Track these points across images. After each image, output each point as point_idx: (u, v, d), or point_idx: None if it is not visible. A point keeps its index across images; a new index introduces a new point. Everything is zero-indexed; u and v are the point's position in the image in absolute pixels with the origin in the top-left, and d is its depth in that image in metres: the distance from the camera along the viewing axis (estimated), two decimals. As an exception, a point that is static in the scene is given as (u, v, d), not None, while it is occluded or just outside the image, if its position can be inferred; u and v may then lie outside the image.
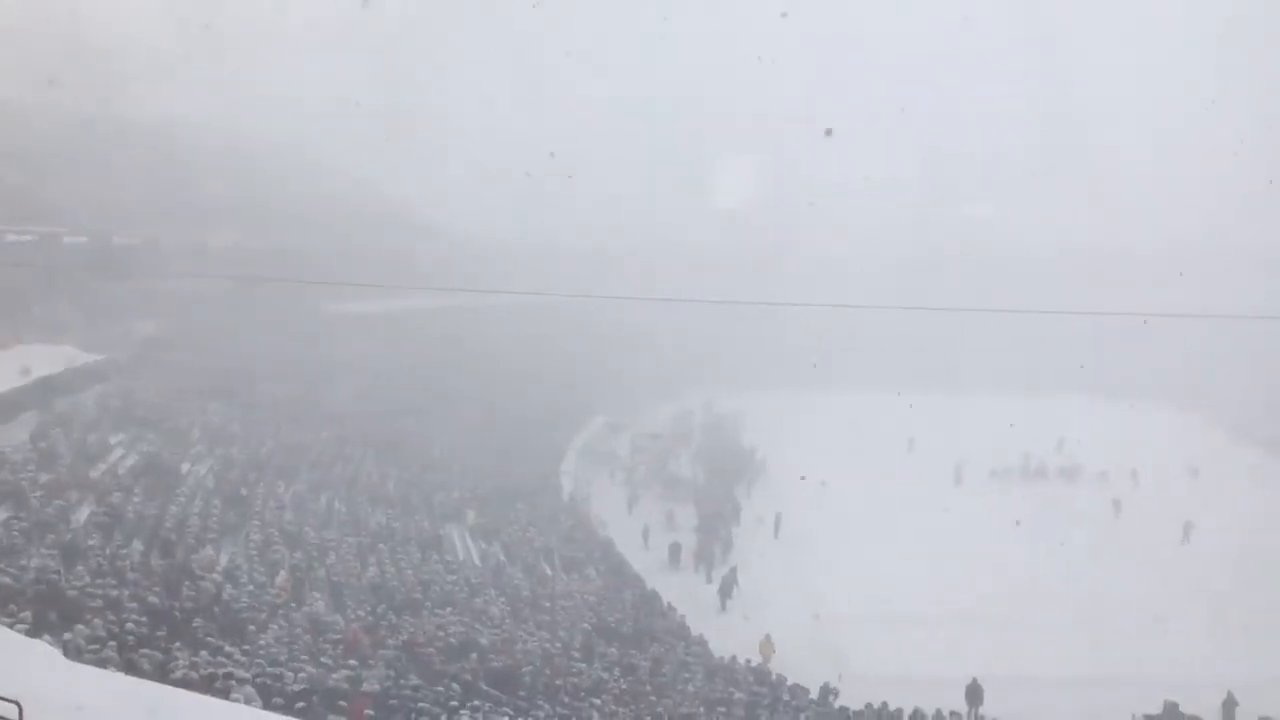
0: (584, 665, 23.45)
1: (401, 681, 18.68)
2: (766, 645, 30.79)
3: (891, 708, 25.44)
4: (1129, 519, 49.66)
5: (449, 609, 25.61)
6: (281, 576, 24.67)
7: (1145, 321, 50.50)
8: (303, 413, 45.58)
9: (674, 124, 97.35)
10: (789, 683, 27.17)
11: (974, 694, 28.35)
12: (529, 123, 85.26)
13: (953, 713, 26.21)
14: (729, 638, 31.55)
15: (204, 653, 17.17)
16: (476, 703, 18.76)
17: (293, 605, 22.69)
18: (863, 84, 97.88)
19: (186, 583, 20.77)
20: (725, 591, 38.42)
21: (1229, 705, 28.30)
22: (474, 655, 21.90)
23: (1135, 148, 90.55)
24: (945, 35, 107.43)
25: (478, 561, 34.63)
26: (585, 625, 27.57)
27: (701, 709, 22.10)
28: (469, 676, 20.38)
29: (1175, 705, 27.09)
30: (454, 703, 18.17)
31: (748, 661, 28.39)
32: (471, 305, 65.64)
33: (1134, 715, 26.44)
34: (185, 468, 31.99)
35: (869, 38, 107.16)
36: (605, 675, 23.01)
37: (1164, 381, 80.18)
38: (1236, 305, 62.46)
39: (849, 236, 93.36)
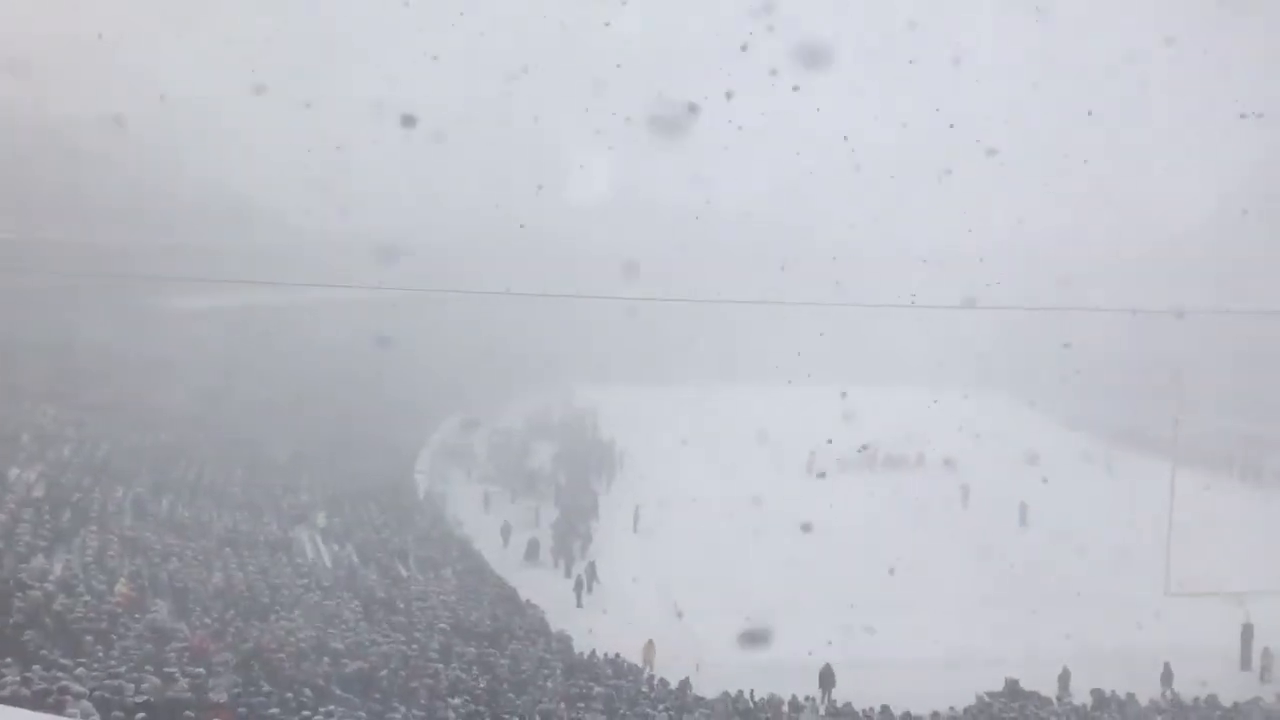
0: (441, 666, 23.10)
1: (251, 689, 18.08)
2: (649, 649, 30.71)
3: (747, 695, 25.84)
4: (971, 505, 51.63)
5: (299, 613, 24.92)
6: (121, 585, 23.59)
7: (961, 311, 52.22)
8: (141, 413, 43.73)
9: (526, 116, 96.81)
10: (647, 674, 27.37)
11: (826, 678, 29.06)
12: (381, 114, 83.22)
13: (807, 698, 26.76)
14: (589, 632, 31.55)
15: (36, 667, 16.27)
16: (330, 708, 18.31)
17: (135, 614, 21.73)
18: (724, 81, 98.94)
19: (17, 594, 19.67)
20: (584, 586, 38.47)
21: (1064, 679, 29.80)
22: (326, 659, 21.39)
23: (983, 141, 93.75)
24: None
25: (329, 564, 33.82)
26: (442, 625, 27.17)
27: (562, 705, 22.03)
28: (321, 681, 19.88)
29: (1015, 682, 28.27)
30: (306, 710, 17.68)
31: (607, 655, 28.46)
32: (321, 301, 64.10)
33: (978, 694, 27.44)
34: (14, 473, 30.26)
35: (729, 36, 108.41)
36: (464, 675, 22.74)
37: (996, 371, 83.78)
38: (1064, 298, 65.75)
39: (702, 230, 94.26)
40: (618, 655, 28.46)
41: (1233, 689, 29.00)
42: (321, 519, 38.02)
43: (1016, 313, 65.73)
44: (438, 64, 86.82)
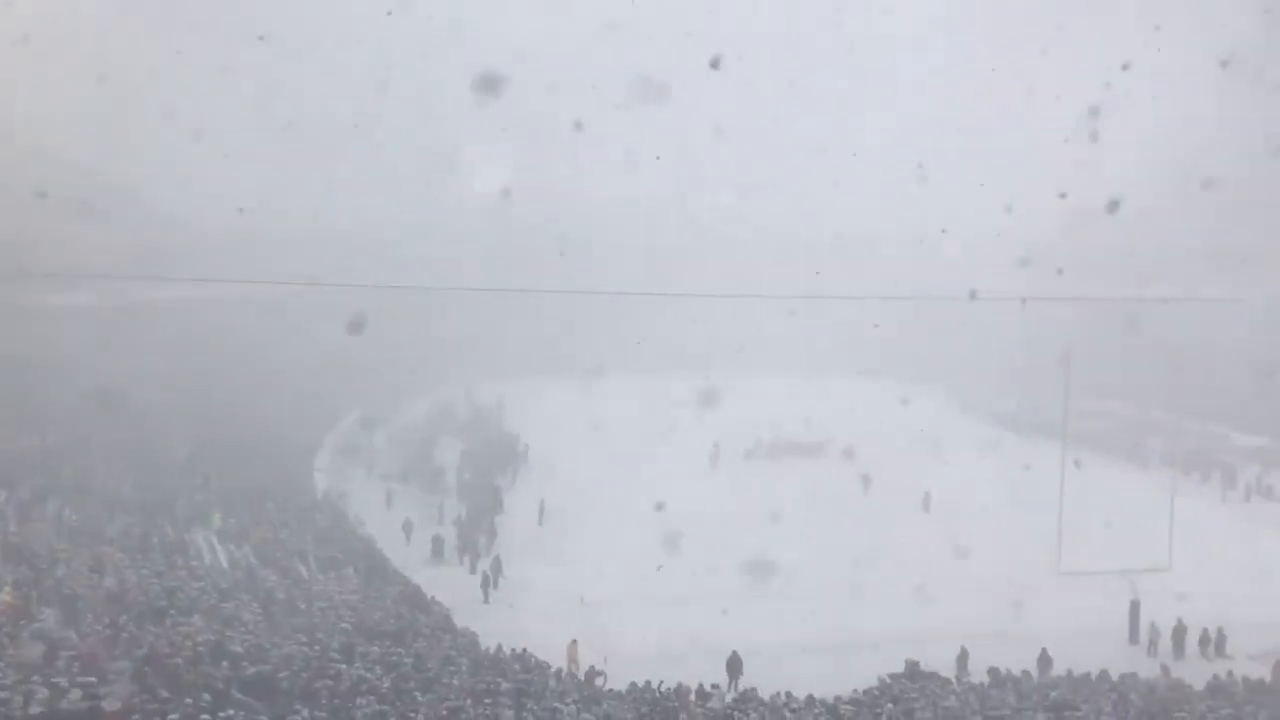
0: (344, 666, 22.68)
1: (146, 696, 17.54)
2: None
3: (655, 685, 25.93)
4: (875, 490, 52.51)
5: (196, 616, 24.25)
6: (4, 593, 22.66)
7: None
8: (23, 415, 42.07)
9: (429, 106, 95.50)
10: (553, 668, 27.28)
11: (734, 665, 29.38)
12: (278, 104, 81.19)
13: (714, 685, 26.96)
14: (495, 628, 31.33)
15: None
16: (230, 712, 17.87)
17: (20, 623, 20.91)
18: (617, 73, 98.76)
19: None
20: (490, 582, 38.21)
21: (962, 659, 30.58)
22: (225, 663, 20.85)
23: (875, 135, 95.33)
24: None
25: (227, 566, 32.99)
26: (345, 625, 26.70)
27: (469, 701, 21.80)
28: (221, 685, 19.38)
29: (916, 663, 28.92)
30: (205, 715, 17.23)
31: (514, 650, 28.29)
32: (215, 297, 62.42)
33: (880, 677, 27.95)
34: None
35: (621, 26, 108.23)
36: (367, 674, 22.35)
37: (895, 358, 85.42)
38: (958, 286, 67.31)
39: (602, 223, 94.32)
40: (524, 650, 28.30)
41: (1122, 662, 30.14)
42: (218, 520, 37.12)
43: (913, 300, 67.17)
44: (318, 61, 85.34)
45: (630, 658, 29.28)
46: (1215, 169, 75.06)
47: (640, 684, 25.96)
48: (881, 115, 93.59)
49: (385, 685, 21.67)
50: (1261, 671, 29.87)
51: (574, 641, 30.65)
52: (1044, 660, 30.36)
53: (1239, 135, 75.65)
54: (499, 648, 28.35)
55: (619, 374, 78.75)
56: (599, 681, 27.45)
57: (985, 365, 74.83)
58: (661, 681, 25.91)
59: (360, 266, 70.11)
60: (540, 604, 36.23)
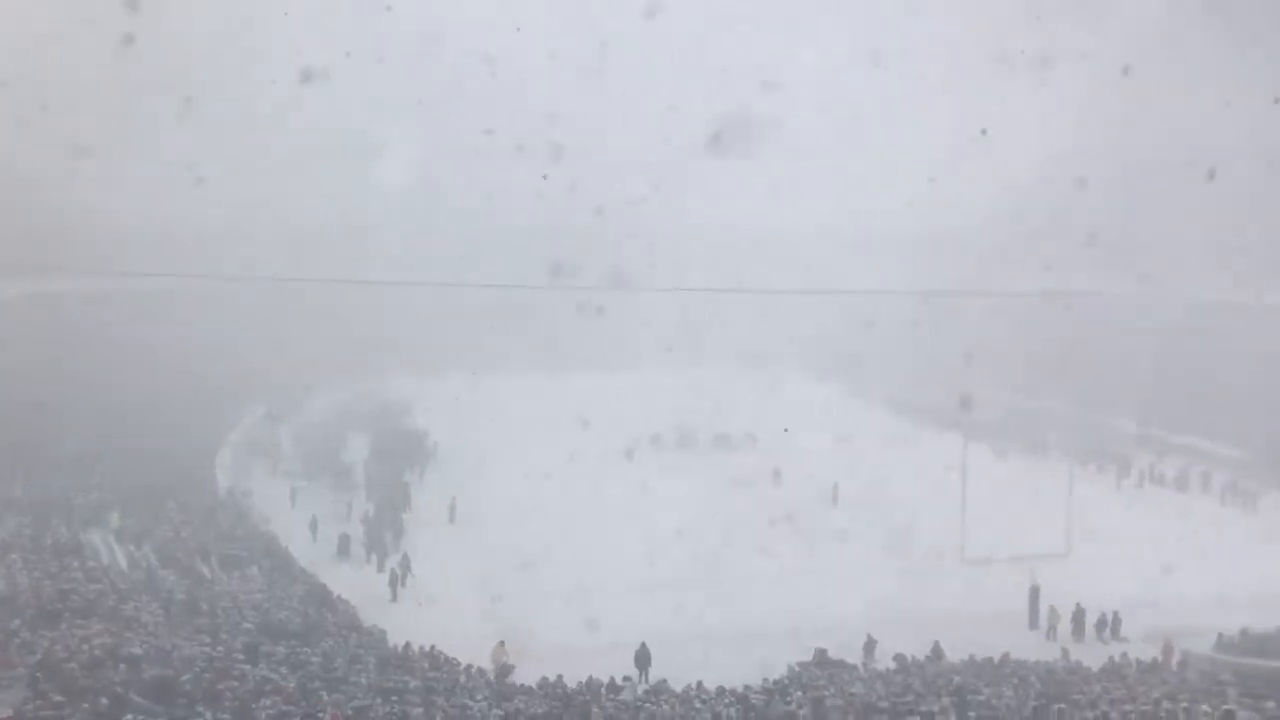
0: (249, 667, 22.25)
1: (40, 702, 16.98)
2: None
3: (567, 679, 25.89)
4: (782, 483, 53.07)
5: (93, 619, 23.54)
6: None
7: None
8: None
9: (328, 98, 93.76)
10: (463, 664, 27.07)
11: (643, 657, 29.45)
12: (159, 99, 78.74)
13: (625, 678, 27.01)
14: (404, 625, 30.97)
15: None
16: (129, 716, 17.42)
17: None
18: (513, 67, 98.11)
19: None
20: (398, 579, 37.74)
21: (869, 646, 31.11)
22: (124, 666, 20.29)
23: (795, 130, 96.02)
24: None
25: (125, 567, 32.08)
26: (248, 625, 26.19)
27: (377, 699, 21.53)
28: (119, 689, 18.86)
29: (824, 651, 29.36)
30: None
31: (423, 648, 28.00)
32: (111, 290, 60.63)
33: (789, 665, 28.29)
34: None
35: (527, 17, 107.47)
36: (273, 675, 21.97)
37: (807, 353, 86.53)
38: (869, 280, 68.39)
39: (496, 217, 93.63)
40: (433, 647, 28.04)
41: (1023, 646, 30.95)
42: (116, 519, 36.09)
43: (824, 295, 67.98)
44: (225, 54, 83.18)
45: (541, 652, 29.23)
46: (1116, 167, 77.55)
47: (551, 678, 25.90)
48: (795, 111, 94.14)
49: (291, 685, 21.32)
50: (1153, 652, 30.91)
51: (500, 643, 30.34)
52: (936, 651, 30.98)
53: (1143, 134, 78.03)
54: (407, 645, 28.04)
55: (532, 369, 78.57)
56: (510, 677, 27.33)
57: (892, 359, 76.05)
58: (570, 677, 25.94)
59: (266, 260, 68.72)
60: (449, 601, 35.91)
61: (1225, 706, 20.48)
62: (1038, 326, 68.94)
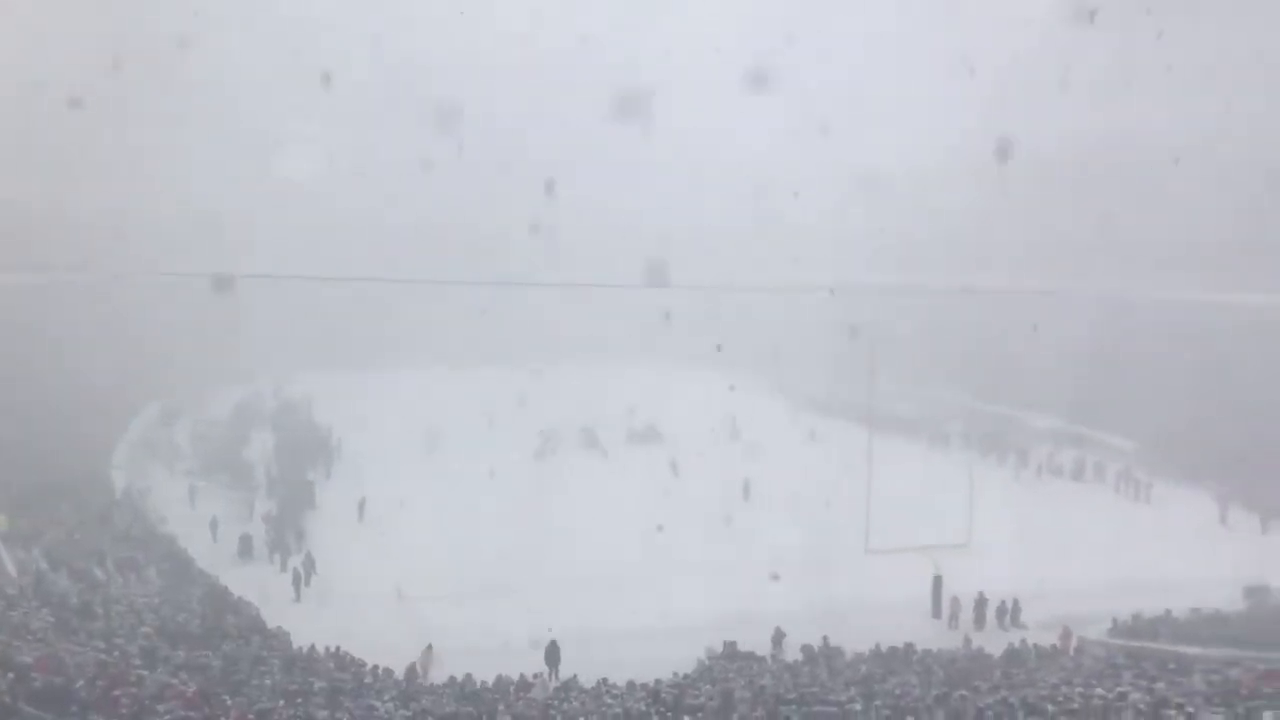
0: (146, 672, 21.60)
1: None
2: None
3: (476, 678, 25.67)
4: (694, 478, 53.09)
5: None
6: None
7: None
8: None
9: (230, 90, 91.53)
10: (369, 665, 26.65)
11: (552, 654, 29.33)
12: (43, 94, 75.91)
13: (535, 675, 26.88)
14: (309, 626, 30.36)
15: None
16: (17, 727, 16.76)
17: None
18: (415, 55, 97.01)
19: None
20: (302, 579, 37.01)
21: (777, 638, 31.40)
22: (11, 675, 19.52)
23: (679, 125, 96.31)
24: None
25: (13, 571, 30.89)
26: (146, 630, 25.42)
27: (281, 702, 21.06)
28: (6, 698, 18.15)
29: (734, 644, 29.58)
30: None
31: (328, 648, 27.51)
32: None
33: (699, 659, 28.44)
34: None
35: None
36: (172, 680, 21.35)
37: (713, 349, 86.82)
38: (771, 276, 69.08)
39: (398, 213, 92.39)
40: (338, 648, 27.56)
41: (927, 635, 31.55)
42: (5, 522, 34.77)
43: (732, 290, 68.44)
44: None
45: (451, 651, 28.93)
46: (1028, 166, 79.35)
47: (460, 677, 25.64)
48: (693, 106, 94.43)
49: (191, 690, 20.74)
50: (1051, 638, 31.73)
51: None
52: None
53: (1055, 131, 79.89)
54: (312, 646, 27.52)
55: (438, 365, 77.73)
56: (419, 678, 27.00)
57: (800, 354, 76.83)
58: (479, 675, 25.71)
59: (165, 255, 66.81)
60: (355, 600, 35.36)
61: (1119, 689, 21.07)
62: (943, 321, 70.33)
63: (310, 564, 37.84)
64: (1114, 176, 68.73)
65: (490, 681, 25.78)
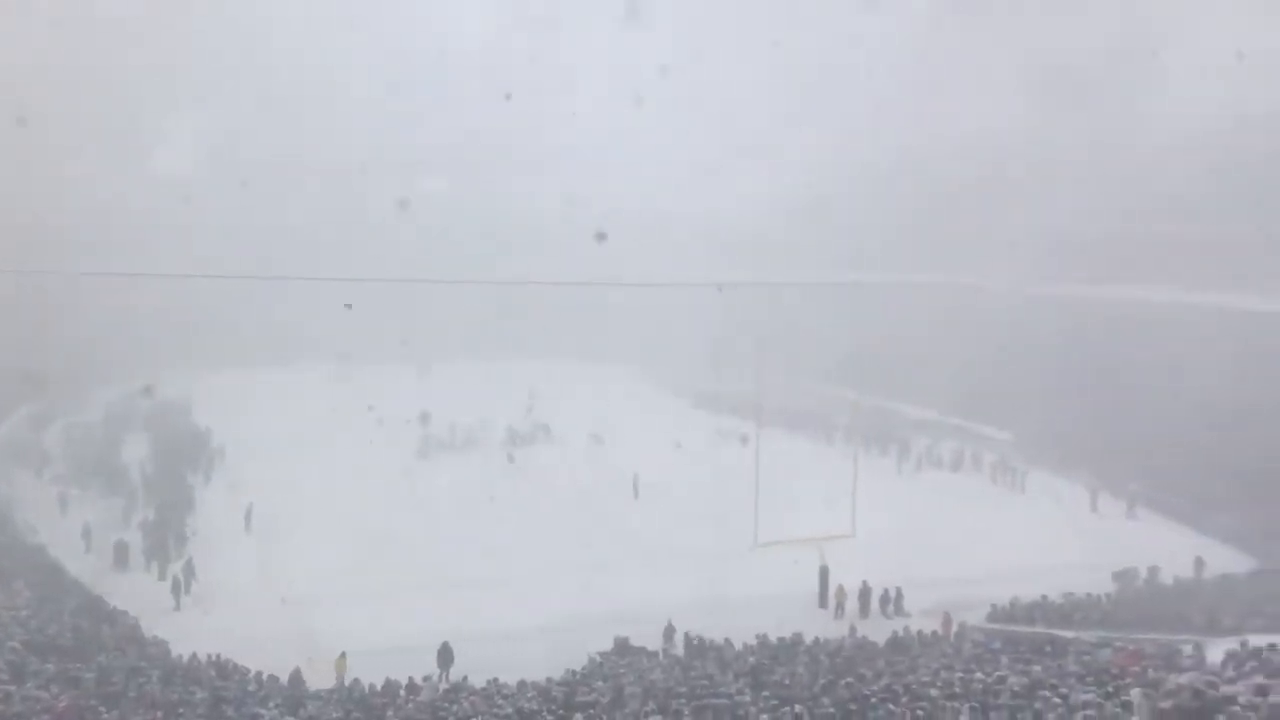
0: (13, 688, 20.71)
1: None
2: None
3: (364, 682, 25.28)
4: (584, 475, 53.01)
5: None
6: None
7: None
8: None
9: (106, 84, 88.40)
10: (254, 672, 26.03)
11: (444, 656, 29.05)
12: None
13: (425, 677, 26.58)
14: (189, 635, 29.53)
15: None
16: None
17: None
18: (306, 59, 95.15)
19: None
20: (182, 586, 35.90)
21: (668, 632, 31.60)
22: None
23: (585, 126, 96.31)
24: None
25: None
26: (13, 644, 24.35)
27: (160, 713, 20.44)
28: None
29: (625, 639, 29.67)
30: None
31: (210, 657, 26.78)
32: None
33: (590, 655, 28.45)
34: None
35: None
36: (43, 694, 20.52)
37: (601, 345, 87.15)
38: (658, 273, 69.43)
39: (284, 211, 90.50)
40: (219, 655, 26.85)
41: (813, 625, 32.12)
42: None
43: (620, 287, 68.55)
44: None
45: (336, 655, 28.50)
46: (912, 164, 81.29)
47: (348, 682, 25.22)
48: (587, 106, 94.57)
49: (63, 703, 19.98)
50: (933, 625, 32.59)
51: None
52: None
53: (939, 132, 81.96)
54: (193, 655, 26.77)
55: (321, 362, 76.14)
56: (302, 683, 26.46)
57: (688, 350, 77.42)
58: (367, 679, 25.32)
59: (35, 252, 64.06)
60: (238, 606, 34.50)
61: (998, 672, 21.73)
62: (826, 317, 71.55)
63: (190, 571, 36.72)
64: (996, 176, 70.90)
65: (379, 685, 25.42)
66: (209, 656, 26.81)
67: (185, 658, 26.75)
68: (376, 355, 77.31)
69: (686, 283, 66.12)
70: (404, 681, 25.77)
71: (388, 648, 29.15)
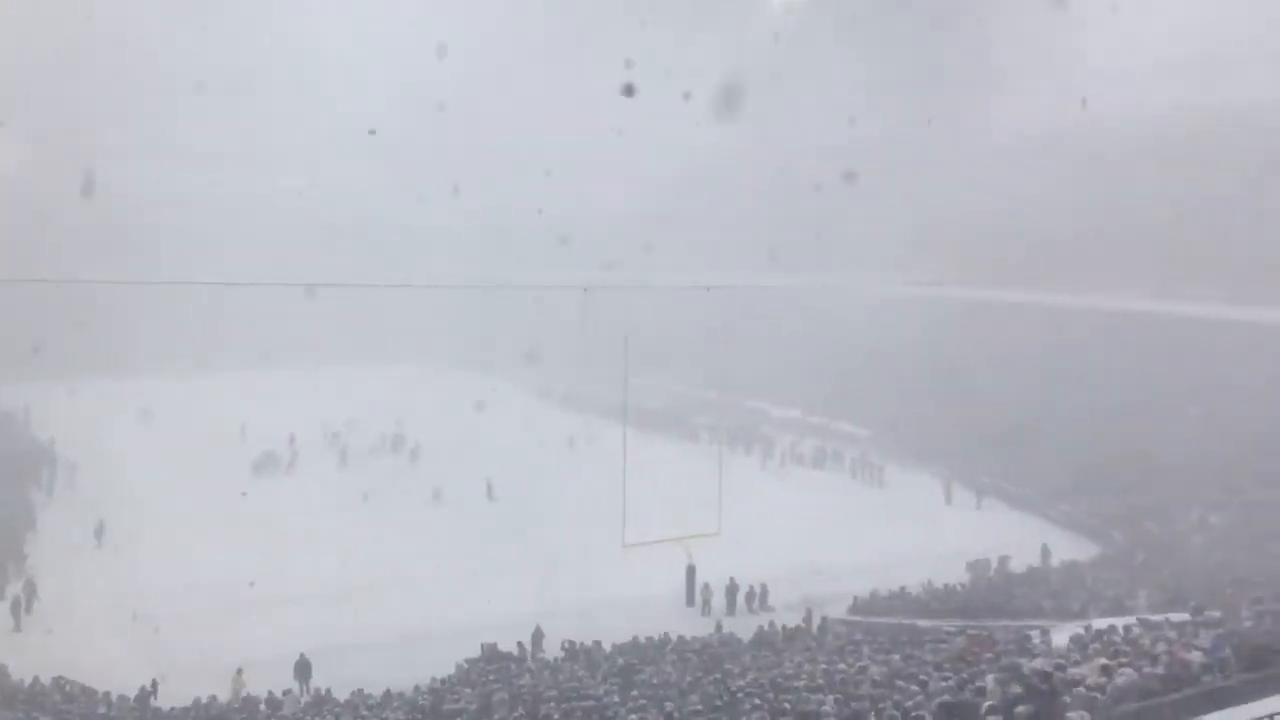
0: None
1: None
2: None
3: (221, 699, 24.49)
4: (445, 482, 52.01)
5: None
6: None
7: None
8: None
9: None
10: (102, 693, 24.93)
11: (303, 669, 28.30)
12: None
13: (285, 691, 25.89)
14: (31, 657, 28.06)
15: None
16: None
17: None
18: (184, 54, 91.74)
19: None
20: (23, 606, 34.03)
21: (537, 636, 31.34)
22: None
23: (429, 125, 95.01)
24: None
25: None
26: None
27: (-3, 741, 19.42)
28: None
29: (493, 645, 29.34)
30: None
31: (54, 679, 25.53)
32: None
33: (457, 663, 28.07)
34: None
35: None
36: None
37: (462, 349, 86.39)
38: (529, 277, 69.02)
39: (140, 208, 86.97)
40: (60, 678, 25.63)
41: (681, 624, 32.38)
42: None
43: (480, 290, 67.96)
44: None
45: (191, 672, 27.37)
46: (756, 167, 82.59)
47: (204, 699, 24.37)
48: (439, 107, 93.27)
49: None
50: (796, 619, 33.19)
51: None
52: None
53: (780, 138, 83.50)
54: (35, 679, 25.47)
55: (170, 371, 73.24)
56: (152, 700, 25.47)
57: (552, 353, 77.15)
58: (224, 696, 24.52)
59: None
60: (85, 626, 32.92)
61: (859, 663, 22.26)
62: (690, 319, 72.16)
63: (32, 590, 34.87)
64: (853, 179, 72.67)
65: (234, 699, 24.64)
66: (54, 679, 25.58)
67: (27, 681, 25.45)
68: (233, 363, 75.08)
69: (552, 284, 65.75)
70: (264, 696, 25.06)
71: (245, 663, 28.23)
